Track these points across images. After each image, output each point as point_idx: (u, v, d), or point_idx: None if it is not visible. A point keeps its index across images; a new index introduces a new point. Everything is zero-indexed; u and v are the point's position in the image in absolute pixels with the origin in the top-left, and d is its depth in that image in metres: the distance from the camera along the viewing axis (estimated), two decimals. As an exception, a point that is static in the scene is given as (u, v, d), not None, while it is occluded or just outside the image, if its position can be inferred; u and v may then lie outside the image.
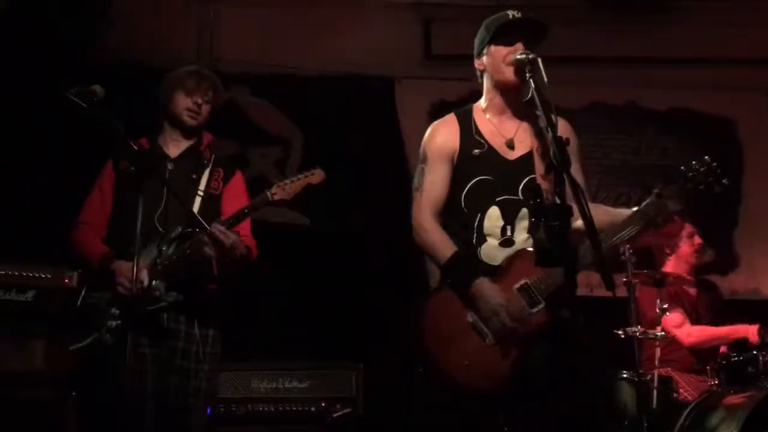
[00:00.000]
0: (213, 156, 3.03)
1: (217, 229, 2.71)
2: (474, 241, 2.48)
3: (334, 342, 4.32)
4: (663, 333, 3.66)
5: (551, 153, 2.05)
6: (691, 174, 2.45)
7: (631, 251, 3.58)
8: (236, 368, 3.77)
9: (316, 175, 2.90)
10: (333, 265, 4.53)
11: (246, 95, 4.74)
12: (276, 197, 2.82)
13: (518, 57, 2.40)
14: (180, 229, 2.78)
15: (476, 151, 2.51)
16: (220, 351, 2.91)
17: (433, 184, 2.52)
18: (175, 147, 2.99)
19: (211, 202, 2.92)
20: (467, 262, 2.44)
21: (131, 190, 2.73)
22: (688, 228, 4.08)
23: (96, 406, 2.79)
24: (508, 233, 2.47)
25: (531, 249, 2.46)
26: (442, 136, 2.56)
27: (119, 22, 4.43)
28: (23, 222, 3.98)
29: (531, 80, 2.30)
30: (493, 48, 2.50)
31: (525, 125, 2.55)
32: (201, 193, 2.88)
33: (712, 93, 4.97)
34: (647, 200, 2.44)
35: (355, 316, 4.43)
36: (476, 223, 2.48)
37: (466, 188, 2.50)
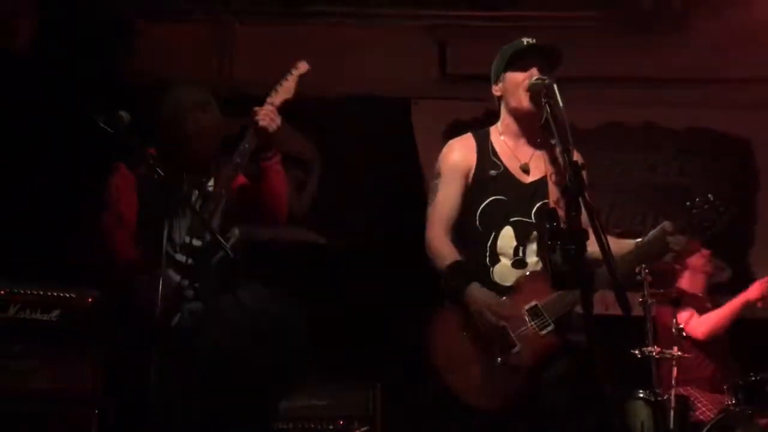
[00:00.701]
0: (219, 161, 2.94)
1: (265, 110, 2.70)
2: (488, 260, 2.51)
3: (352, 361, 4.35)
4: (680, 353, 3.65)
5: (567, 178, 2.08)
6: (695, 211, 2.48)
7: (646, 270, 3.59)
8: (255, 386, 3.82)
9: (301, 66, 2.93)
10: (350, 283, 4.57)
11: (265, 117, 4.81)
12: (277, 102, 2.81)
13: (533, 82, 2.44)
14: (197, 191, 2.76)
15: (493, 171, 2.56)
16: None
17: (446, 198, 2.56)
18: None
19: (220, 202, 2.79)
20: (463, 270, 2.46)
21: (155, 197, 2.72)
22: (693, 243, 4.07)
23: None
24: (520, 254, 2.51)
25: (541, 271, 2.49)
26: (458, 153, 2.60)
27: (141, 46, 4.52)
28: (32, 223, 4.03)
29: (546, 105, 2.34)
30: (508, 74, 2.56)
31: (539, 152, 2.59)
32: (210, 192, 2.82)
33: (729, 112, 4.98)
34: (651, 234, 2.48)
35: (373, 335, 4.45)
36: (489, 242, 2.51)
37: (481, 207, 2.53)
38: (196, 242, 2.74)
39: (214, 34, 4.92)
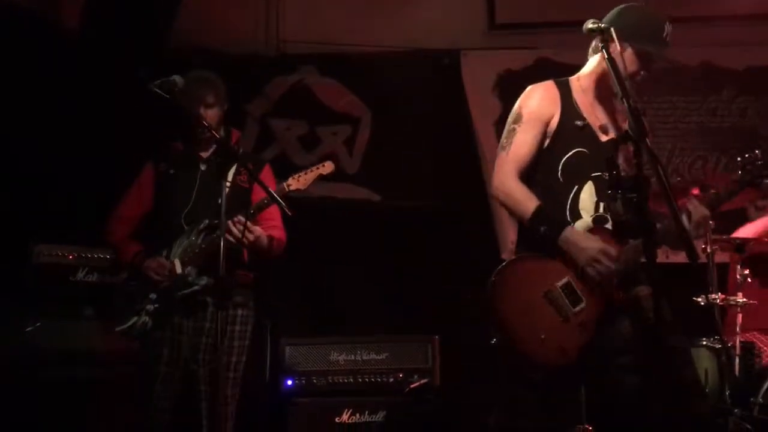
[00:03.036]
0: (241, 152, 3.16)
1: (235, 222, 2.88)
2: (568, 216, 2.43)
3: (410, 314, 4.39)
4: (744, 299, 3.58)
5: (627, 124, 2.03)
6: (749, 167, 2.41)
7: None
8: (315, 342, 3.89)
9: (327, 167, 3.03)
10: (405, 239, 4.58)
11: (314, 75, 4.81)
12: (291, 188, 2.96)
13: (590, 27, 2.35)
14: (207, 221, 2.98)
15: (579, 122, 2.47)
16: (251, 329, 3.12)
17: (523, 143, 2.46)
18: (205, 149, 3.12)
19: (238, 193, 3.05)
20: (552, 214, 2.40)
21: (167, 190, 3.04)
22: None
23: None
24: (601, 210, 2.42)
25: (605, 224, 2.41)
26: (541, 99, 2.50)
27: (187, 8, 4.53)
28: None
29: (603, 50, 2.26)
30: (638, 49, 2.46)
31: (618, 111, 2.52)
32: (228, 184, 2.97)
33: (791, 48, 4.76)
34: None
35: (430, 289, 4.48)
36: (572, 196, 2.43)
37: (564, 158, 2.45)
38: (179, 268, 2.98)
39: (261, -5, 4.90)
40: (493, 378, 2.61)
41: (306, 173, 3.00)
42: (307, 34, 4.76)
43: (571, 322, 2.37)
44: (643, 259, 2.16)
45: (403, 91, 4.68)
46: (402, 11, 4.76)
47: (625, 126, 2.41)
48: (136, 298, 2.98)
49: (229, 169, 2.99)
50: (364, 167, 4.76)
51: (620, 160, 2.42)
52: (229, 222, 2.86)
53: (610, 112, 2.53)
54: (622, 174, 2.25)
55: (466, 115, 4.73)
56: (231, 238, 2.84)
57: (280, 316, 4.37)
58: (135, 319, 2.96)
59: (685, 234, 1.95)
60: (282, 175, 3.09)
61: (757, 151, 2.44)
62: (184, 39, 4.52)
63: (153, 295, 2.97)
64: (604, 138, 2.48)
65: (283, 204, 2.70)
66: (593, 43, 2.53)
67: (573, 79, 2.56)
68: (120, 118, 4.25)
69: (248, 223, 2.89)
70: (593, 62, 2.54)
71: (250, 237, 2.91)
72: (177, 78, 2.70)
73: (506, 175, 2.46)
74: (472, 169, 4.62)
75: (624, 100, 2.11)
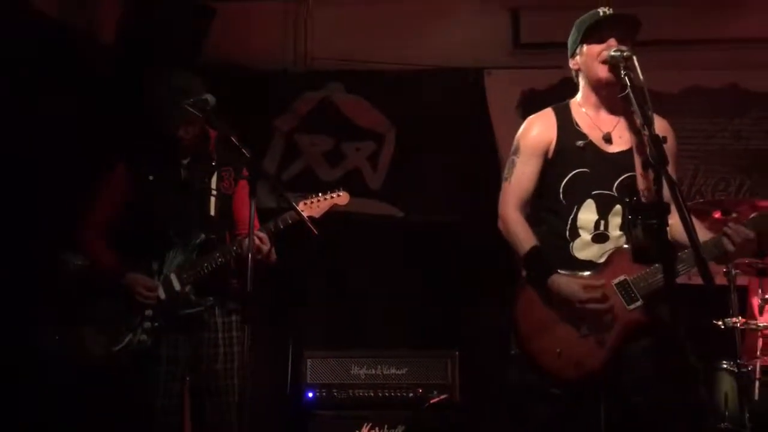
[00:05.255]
0: (219, 155, 3.03)
1: (261, 237, 2.84)
2: (567, 234, 2.51)
3: (431, 330, 4.43)
4: (765, 323, 3.57)
5: (648, 151, 2.07)
6: None
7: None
8: (337, 355, 3.94)
9: (343, 197, 3.03)
10: (428, 255, 4.62)
11: (341, 92, 4.87)
12: (305, 213, 2.89)
13: (612, 54, 2.40)
14: (203, 236, 2.92)
15: (579, 142, 2.53)
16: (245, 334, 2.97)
17: (522, 175, 2.56)
18: (185, 154, 3.00)
19: (225, 202, 3.00)
20: (542, 258, 2.48)
21: (147, 197, 2.91)
22: None
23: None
24: (602, 228, 2.49)
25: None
26: (537, 129, 2.58)
27: (217, 24, 4.63)
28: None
29: (626, 78, 2.31)
30: (585, 47, 2.52)
31: (623, 121, 2.55)
32: (214, 193, 2.96)
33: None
34: (710, 239, 2.41)
35: (450, 305, 4.51)
36: (572, 216, 2.50)
37: (565, 180, 2.52)
38: (176, 285, 2.89)
39: (289, 11, 4.98)
40: (510, 393, 2.65)
41: (320, 200, 2.99)
42: (335, 51, 4.83)
43: (589, 339, 2.40)
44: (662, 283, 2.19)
45: (427, 108, 4.74)
46: (427, 30, 4.82)
47: (632, 135, 2.48)
48: (129, 314, 2.88)
49: (211, 177, 2.96)
50: (387, 183, 4.80)
51: (638, 177, 2.45)
52: (257, 238, 2.83)
53: (615, 120, 2.56)
54: (643, 200, 2.29)
55: (489, 133, 4.77)
56: (258, 255, 2.81)
57: (303, 329, 4.45)
58: (130, 336, 2.86)
59: (702, 260, 1.98)
60: (308, 189, 3.12)
61: None
62: (214, 55, 4.62)
63: (149, 312, 2.88)
64: (609, 149, 2.53)
65: (309, 224, 2.71)
66: (572, 60, 2.59)
67: (572, 101, 2.62)
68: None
69: (265, 237, 2.86)
70: (582, 82, 2.60)
71: (270, 252, 2.88)
72: (209, 97, 2.74)
73: (508, 206, 2.58)
74: (495, 186, 4.63)
75: (646, 127, 2.15)
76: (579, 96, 2.62)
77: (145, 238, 2.95)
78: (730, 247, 2.37)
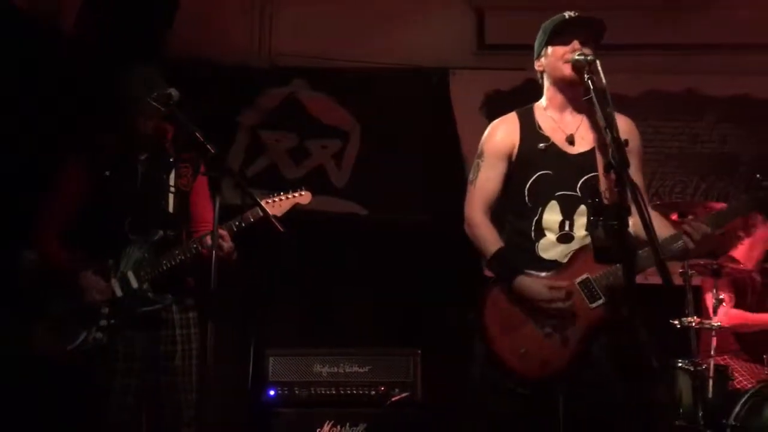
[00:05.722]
0: (175, 150, 2.99)
1: (220, 234, 2.77)
2: (533, 235, 2.54)
3: (393, 328, 4.45)
4: (719, 323, 3.67)
5: (610, 154, 2.11)
6: (765, 183, 2.48)
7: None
8: (300, 353, 3.93)
9: (305, 196, 3.02)
10: (391, 253, 4.64)
11: (306, 89, 4.86)
12: (268, 214, 2.83)
13: (576, 58, 2.44)
14: (162, 233, 2.88)
15: (542, 144, 2.56)
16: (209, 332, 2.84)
17: (487, 180, 2.60)
18: (142, 150, 2.94)
19: (183, 198, 2.97)
20: (507, 260, 2.52)
21: (103, 194, 2.85)
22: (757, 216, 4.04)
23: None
24: (566, 228, 2.53)
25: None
26: (501, 133, 2.62)
27: (183, 17, 4.57)
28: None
29: (589, 81, 2.35)
30: (550, 49, 2.56)
31: (586, 122, 2.59)
32: (173, 190, 2.92)
33: (771, 79, 4.89)
34: (670, 235, 2.46)
35: (413, 303, 4.54)
36: (536, 218, 2.54)
37: (530, 182, 2.55)
38: (134, 282, 2.84)
39: (254, 6, 4.95)
40: (473, 390, 2.67)
41: (282, 199, 2.97)
42: (300, 47, 4.82)
43: (553, 338, 2.45)
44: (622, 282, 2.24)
45: (392, 107, 4.76)
46: (393, 29, 4.84)
47: (595, 135, 2.53)
48: (83, 312, 2.81)
49: (169, 173, 2.92)
50: (352, 181, 4.81)
51: (600, 176, 2.49)
52: (221, 236, 2.78)
53: (579, 121, 2.60)
54: (605, 201, 2.34)
55: (454, 133, 4.80)
56: (220, 252, 2.74)
57: (265, 327, 4.43)
58: (85, 334, 2.80)
59: (661, 261, 2.03)
60: (272, 185, 3.10)
61: None
62: (178, 48, 4.56)
63: (105, 310, 2.82)
64: (572, 151, 2.57)
65: (275, 222, 2.69)
66: (538, 62, 2.62)
67: (536, 105, 2.66)
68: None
69: (227, 235, 2.82)
70: (546, 84, 2.64)
71: (231, 250, 2.85)
72: (173, 91, 2.70)
73: (474, 209, 2.62)
74: (459, 185, 4.67)
75: (608, 130, 2.19)
76: (543, 98, 2.66)
77: (101, 235, 2.89)
78: (690, 244, 2.43)
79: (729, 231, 4.02)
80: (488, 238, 2.56)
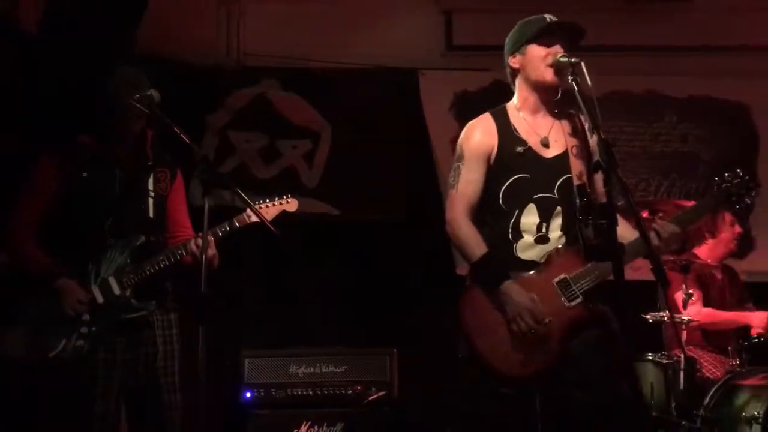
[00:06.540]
0: (155, 155, 2.93)
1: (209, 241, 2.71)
2: (510, 237, 2.55)
3: (370, 328, 4.46)
4: (689, 318, 3.79)
5: (599, 154, 2.16)
6: (725, 185, 2.56)
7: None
8: (275, 354, 3.92)
9: (292, 204, 3.04)
10: (364, 253, 4.66)
11: (275, 89, 4.83)
12: (252, 219, 2.86)
13: (561, 59, 2.48)
14: (143, 238, 2.82)
15: (519, 148, 2.57)
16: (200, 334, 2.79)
17: (468, 182, 2.59)
18: (123, 151, 2.88)
19: (162, 203, 2.92)
20: (496, 264, 2.53)
21: (80, 195, 2.77)
22: (728, 216, 4.20)
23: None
24: (543, 230, 2.54)
25: (570, 246, 2.53)
26: (479, 135, 2.61)
27: (149, 17, 4.49)
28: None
29: (574, 83, 2.39)
30: (531, 47, 2.56)
31: (558, 124, 2.61)
32: (152, 195, 2.88)
33: (730, 80, 5.05)
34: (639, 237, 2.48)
35: (388, 303, 4.55)
36: (513, 220, 2.55)
37: (505, 185, 2.56)
38: (116, 289, 2.78)
39: (222, 5, 4.90)
40: (455, 391, 2.70)
41: (269, 206, 2.97)
42: (270, 47, 4.79)
43: (534, 338, 2.47)
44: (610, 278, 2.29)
45: (363, 107, 4.77)
46: (363, 30, 4.86)
47: (567, 138, 2.57)
48: (62, 319, 2.73)
49: (148, 177, 2.87)
50: (323, 181, 4.80)
51: (574, 178, 2.53)
52: (195, 240, 2.77)
53: (551, 123, 2.62)
54: (593, 202, 2.39)
55: (424, 133, 4.84)
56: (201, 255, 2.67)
57: (240, 329, 4.39)
58: (64, 341, 2.73)
59: (654, 255, 2.09)
60: (243, 186, 3.06)
61: (738, 170, 2.58)
62: (145, 48, 4.48)
63: (86, 317, 2.75)
64: (547, 154, 2.59)
65: (270, 226, 2.69)
66: (513, 58, 2.63)
67: (509, 105, 2.66)
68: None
69: (211, 241, 2.76)
70: (520, 83, 2.64)
71: (214, 256, 2.81)
72: (154, 92, 2.68)
73: (457, 213, 2.59)
74: (430, 185, 4.73)
75: (595, 131, 2.24)
76: (515, 99, 2.66)
77: (79, 238, 2.80)
78: (656, 242, 2.48)
79: (697, 230, 4.16)
80: (473, 241, 2.56)
